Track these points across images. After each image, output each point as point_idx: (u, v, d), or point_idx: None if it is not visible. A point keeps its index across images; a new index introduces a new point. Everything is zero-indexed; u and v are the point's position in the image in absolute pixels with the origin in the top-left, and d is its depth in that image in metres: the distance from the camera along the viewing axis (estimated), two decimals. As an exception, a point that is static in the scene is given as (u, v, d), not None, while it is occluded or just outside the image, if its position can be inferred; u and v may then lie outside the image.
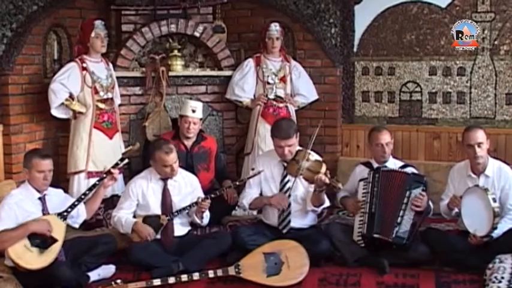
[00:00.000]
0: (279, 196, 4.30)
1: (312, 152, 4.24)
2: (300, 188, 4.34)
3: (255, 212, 4.68)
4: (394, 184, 4.19)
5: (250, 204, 4.43)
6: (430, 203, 4.26)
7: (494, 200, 3.92)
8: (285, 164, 4.31)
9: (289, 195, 4.32)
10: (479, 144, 4.13)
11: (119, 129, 5.20)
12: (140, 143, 5.27)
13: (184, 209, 4.30)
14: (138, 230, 4.24)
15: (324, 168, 4.04)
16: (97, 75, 5.01)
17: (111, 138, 5.06)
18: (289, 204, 4.32)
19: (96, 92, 4.99)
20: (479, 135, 4.15)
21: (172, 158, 4.28)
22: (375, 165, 4.42)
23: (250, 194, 4.43)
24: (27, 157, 3.99)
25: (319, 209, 4.35)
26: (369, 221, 4.16)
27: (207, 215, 4.39)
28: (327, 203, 4.35)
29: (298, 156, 4.18)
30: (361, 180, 4.35)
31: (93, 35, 4.97)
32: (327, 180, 4.02)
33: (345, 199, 4.46)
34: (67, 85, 4.87)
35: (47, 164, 3.94)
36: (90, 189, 4.18)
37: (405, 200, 4.10)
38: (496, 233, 3.95)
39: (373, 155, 4.48)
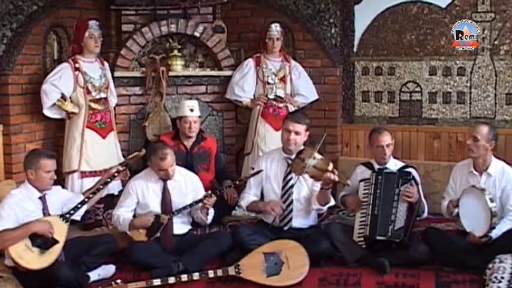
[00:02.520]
0: (272, 203, 4.30)
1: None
2: (304, 188, 4.35)
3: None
4: (390, 185, 4.22)
5: (247, 206, 4.45)
6: (424, 202, 4.28)
7: (492, 200, 3.93)
8: (289, 161, 4.30)
9: (292, 193, 4.32)
10: (474, 138, 4.18)
11: (114, 129, 5.19)
12: (140, 143, 5.29)
13: (184, 208, 4.30)
14: (136, 224, 4.24)
15: (331, 166, 4.02)
16: (89, 75, 5.00)
17: (104, 137, 5.05)
18: (292, 202, 4.33)
19: (89, 92, 4.99)
20: (480, 130, 4.19)
21: (168, 163, 4.27)
22: (376, 166, 4.42)
23: (248, 196, 4.45)
24: (32, 158, 3.96)
25: (325, 208, 4.34)
26: (372, 223, 4.17)
27: (211, 212, 4.40)
28: (332, 202, 4.35)
29: (303, 154, 4.15)
30: (361, 180, 4.36)
31: (86, 34, 4.97)
32: (337, 178, 4.01)
33: (344, 197, 4.46)
34: (59, 86, 4.87)
35: (53, 164, 3.95)
36: (94, 192, 4.16)
37: (395, 198, 4.14)
38: (496, 233, 3.96)
39: (374, 156, 4.49)
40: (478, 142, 4.17)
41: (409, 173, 4.29)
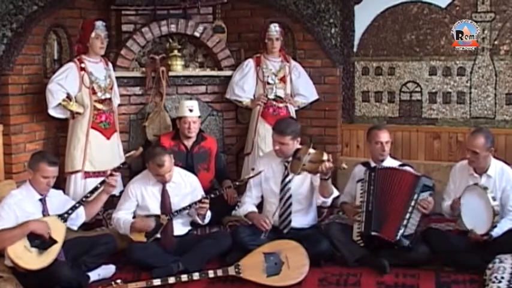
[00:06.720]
0: (262, 219, 4.25)
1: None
2: (303, 187, 4.35)
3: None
4: (398, 183, 4.17)
5: (245, 215, 4.45)
6: None
7: (494, 199, 3.93)
8: (287, 164, 4.30)
9: (290, 195, 4.32)
10: (474, 152, 4.13)
11: (117, 130, 5.19)
12: (140, 143, 5.29)
13: (184, 209, 4.29)
14: (137, 227, 4.24)
15: (326, 156, 3.99)
16: (95, 75, 5.01)
17: (108, 138, 5.06)
18: (290, 204, 4.32)
19: (94, 93, 4.99)
20: (478, 143, 4.12)
21: (165, 169, 4.25)
22: (372, 164, 4.42)
23: (248, 201, 4.44)
24: (35, 159, 3.95)
25: (329, 200, 4.32)
26: (366, 219, 4.16)
27: (208, 215, 4.39)
28: (336, 192, 4.34)
29: (298, 153, 4.16)
30: (358, 181, 4.36)
31: (93, 35, 4.97)
32: (332, 164, 3.98)
33: (344, 205, 4.47)
34: (64, 85, 4.87)
35: (53, 171, 3.92)
36: (91, 191, 4.17)
37: (412, 203, 4.08)
38: (496, 233, 3.96)
39: (371, 154, 4.48)
40: (478, 155, 4.13)
41: (431, 180, 4.23)
